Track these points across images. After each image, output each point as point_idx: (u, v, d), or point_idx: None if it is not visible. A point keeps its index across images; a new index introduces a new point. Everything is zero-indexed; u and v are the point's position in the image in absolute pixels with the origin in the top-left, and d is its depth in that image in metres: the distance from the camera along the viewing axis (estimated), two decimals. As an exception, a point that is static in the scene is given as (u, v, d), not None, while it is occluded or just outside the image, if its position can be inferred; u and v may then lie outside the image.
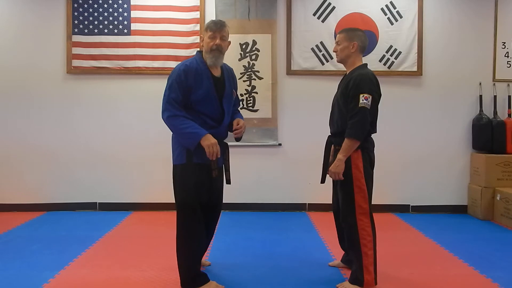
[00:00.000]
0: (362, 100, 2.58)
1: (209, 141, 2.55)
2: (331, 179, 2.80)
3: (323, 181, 2.89)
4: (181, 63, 2.68)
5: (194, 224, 2.65)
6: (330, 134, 2.92)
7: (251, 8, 4.64)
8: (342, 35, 2.83)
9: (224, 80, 2.77)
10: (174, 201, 4.74)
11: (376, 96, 2.68)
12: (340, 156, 2.64)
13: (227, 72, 2.84)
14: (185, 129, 2.58)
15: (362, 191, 2.65)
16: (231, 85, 2.83)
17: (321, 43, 4.65)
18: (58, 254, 3.31)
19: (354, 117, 2.61)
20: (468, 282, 2.88)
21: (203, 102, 2.64)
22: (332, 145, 2.84)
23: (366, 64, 2.81)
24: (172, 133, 2.73)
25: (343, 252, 3.05)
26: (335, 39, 2.92)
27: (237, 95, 2.93)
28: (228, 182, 2.86)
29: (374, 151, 2.79)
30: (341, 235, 2.96)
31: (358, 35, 2.80)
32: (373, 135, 2.77)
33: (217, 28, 2.66)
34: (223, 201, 2.99)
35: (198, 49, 2.78)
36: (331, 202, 3.02)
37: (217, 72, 2.74)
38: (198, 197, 2.64)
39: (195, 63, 2.66)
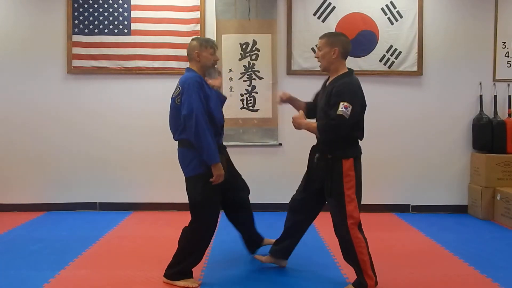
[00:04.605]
0: (341, 108, 2.51)
1: (219, 171, 2.74)
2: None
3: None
4: (193, 77, 2.76)
5: (215, 223, 2.86)
6: (316, 146, 2.84)
7: (251, 8, 4.64)
8: (323, 40, 2.72)
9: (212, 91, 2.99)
10: (174, 201, 4.74)
11: (358, 107, 2.61)
12: (304, 121, 2.67)
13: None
14: (213, 147, 2.70)
15: (352, 200, 2.63)
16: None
17: (321, 43, 4.64)
18: (58, 254, 3.31)
19: (330, 120, 2.56)
20: (468, 282, 2.88)
21: (215, 109, 2.82)
22: (317, 154, 2.77)
23: (352, 71, 2.72)
24: (181, 147, 2.84)
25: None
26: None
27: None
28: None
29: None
30: (289, 231, 2.99)
31: (340, 40, 2.71)
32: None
33: (216, 46, 2.95)
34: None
35: (188, 67, 2.94)
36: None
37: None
38: (219, 196, 2.87)
39: (197, 77, 2.80)
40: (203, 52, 2.86)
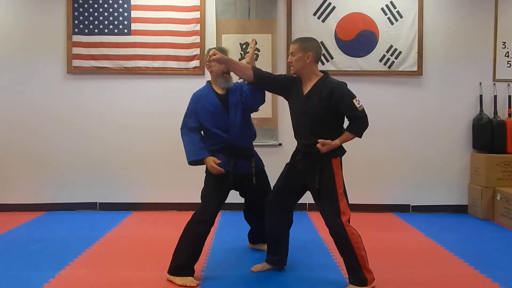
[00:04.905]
0: (358, 104, 2.66)
1: (208, 164, 2.93)
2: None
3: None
4: (192, 95, 3.07)
5: (210, 220, 2.89)
6: (299, 149, 2.89)
7: (251, 8, 4.64)
8: (296, 45, 2.79)
9: (227, 95, 3.03)
10: (174, 201, 4.76)
11: None
12: (336, 141, 2.67)
13: (234, 86, 3.08)
14: (188, 149, 2.97)
15: (344, 197, 2.69)
16: (236, 95, 3.04)
17: (321, 43, 4.62)
18: (58, 254, 3.31)
19: (360, 119, 2.66)
20: (468, 282, 2.88)
21: (210, 114, 2.97)
22: (299, 155, 2.83)
23: (328, 74, 2.83)
24: None
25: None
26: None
27: (249, 94, 3.07)
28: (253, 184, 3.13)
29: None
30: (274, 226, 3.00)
31: (313, 45, 2.79)
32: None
33: (225, 52, 3.03)
34: (226, 201, 3.05)
35: (208, 80, 3.14)
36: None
37: (221, 91, 3.04)
38: (218, 198, 2.97)
39: (201, 90, 3.06)
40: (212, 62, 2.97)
